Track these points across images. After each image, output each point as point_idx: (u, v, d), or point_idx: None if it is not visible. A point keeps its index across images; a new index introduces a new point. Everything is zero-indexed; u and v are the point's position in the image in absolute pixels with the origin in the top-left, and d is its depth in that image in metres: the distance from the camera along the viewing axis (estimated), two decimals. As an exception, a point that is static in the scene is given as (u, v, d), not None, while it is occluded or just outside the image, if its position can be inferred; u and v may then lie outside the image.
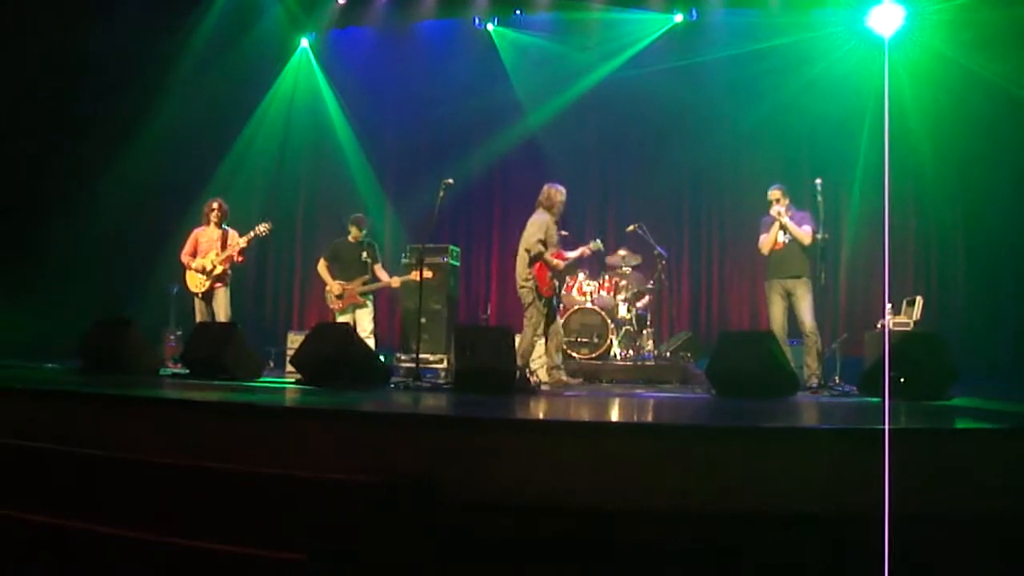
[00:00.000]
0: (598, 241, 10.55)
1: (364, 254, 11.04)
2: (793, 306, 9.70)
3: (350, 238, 11.18)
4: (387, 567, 4.25)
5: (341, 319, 10.89)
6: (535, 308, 9.58)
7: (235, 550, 4.10)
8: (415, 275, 10.87)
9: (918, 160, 12.91)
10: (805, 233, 9.68)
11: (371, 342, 10.77)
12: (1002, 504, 4.46)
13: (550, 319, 9.70)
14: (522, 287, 9.64)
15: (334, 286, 10.96)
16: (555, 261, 9.63)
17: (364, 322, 10.95)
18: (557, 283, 9.71)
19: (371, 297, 11.09)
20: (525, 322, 9.82)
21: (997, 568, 4.27)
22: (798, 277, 9.66)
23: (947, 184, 12.81)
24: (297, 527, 4.29)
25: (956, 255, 12.93)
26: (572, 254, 10.08)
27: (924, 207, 13.14)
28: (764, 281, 10.11)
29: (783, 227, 9.76)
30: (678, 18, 14.13)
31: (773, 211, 9.84)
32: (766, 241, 9.92)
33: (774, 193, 9.90)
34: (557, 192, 9.82)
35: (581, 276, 12.29)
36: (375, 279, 10.99)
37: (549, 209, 9.78)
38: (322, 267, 11.19)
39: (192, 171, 14.15)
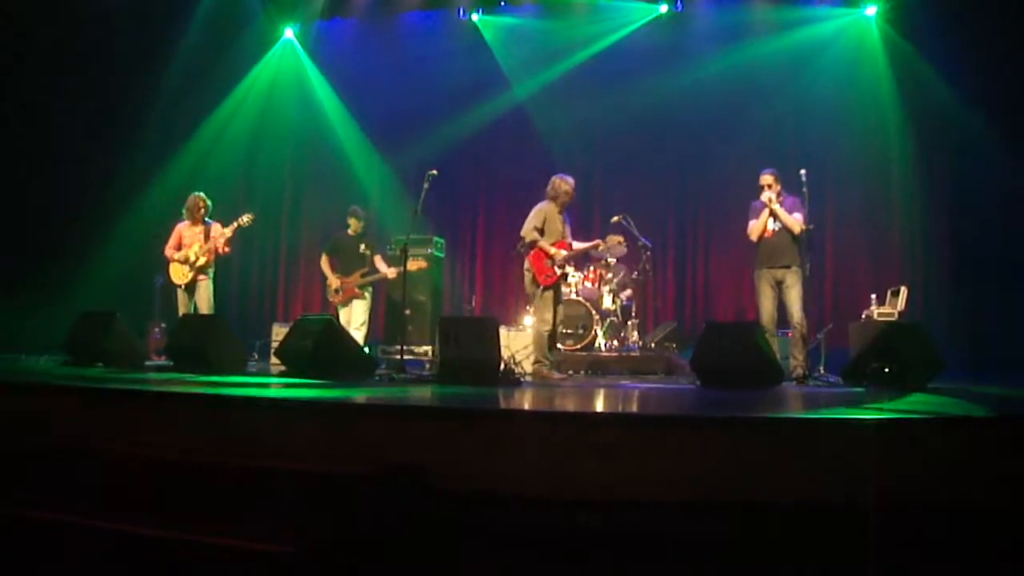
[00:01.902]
0: (615, 223, 10.40)
1: (363, 246, 11.07)
2: (782, 296, 9.50)
3: (350, 231, 11.22)
4: (376, 557, 4.26)
5: (343, 311, 10.98)
6: (539, 299, 9.47)
7: (224, 542, 4.10)
8: (412, 265, 10.91)
9: (903, 149, 12.98)
10: (795, 221, 9.44)
11: (361, 333, 10.83)
12: (984, 493, 4.48)
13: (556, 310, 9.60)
14: (525, 277, 9.63)
15: (333, 281, 11.04)
16: (552, 249, 9.42)
17: (358, 312, 10.99)
18: (559, 271, 9.49)
19: (369, 289, 11.09)
20: (533, 314, 9.80)
21: (980, 556, 4.29)
22: (788, 267, 9.41)
23: (932, 173, 12.85)
24: (285, 519, 4.28)
25: (941, 245, 12.95)
26: (580, 245, 9.92)
27: (909, 197, 13.15)
28: (753, 270, 9.82)
29: (773, 214, 9.51)
30: (663, 8, 14.12)
31: (764, 197, 9.58)
32: (755, 227, 9.66)
33: (766, 178, 9.64)
34: (562, 182, 9.64)
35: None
36: (374, 271, 10.99)
37: (554, 199, 9.63)
38: (324, 263, 11.30)
39: (174, 163, 14.13)
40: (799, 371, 9.16)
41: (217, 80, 14.76)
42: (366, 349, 10.63)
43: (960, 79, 12.15)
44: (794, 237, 9.49)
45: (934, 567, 4.25)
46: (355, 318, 10.94)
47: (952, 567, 4.26)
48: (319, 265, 11.40)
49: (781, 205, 9.57)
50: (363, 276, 10.93)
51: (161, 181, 13.77)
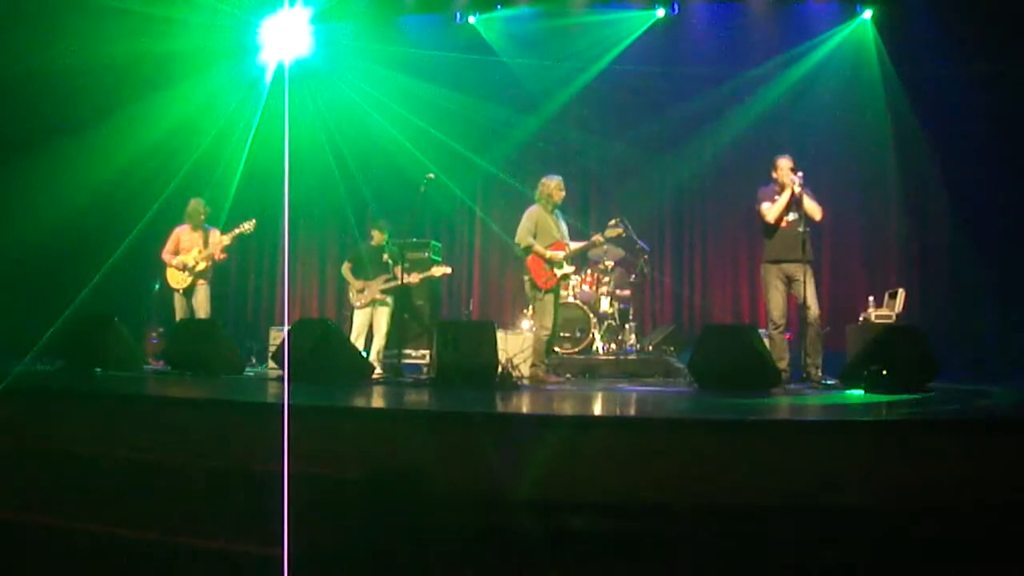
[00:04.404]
0: (612, 226, 10.29)
1: (386, 256, 11.07)
2: (796, 292, 9.02)
3: (372, 243, 11.23)
4: (369, 561, 4.25)
5: (360, 314, 10.97)
6: (539, 303, 9.47)
7: (220, 546, 4.10)
8: (435, 271, 11.00)
9: (900, 150, 12.98)
10: (818, 208, 8.95)
11: (382, 341, 10.87)
12: (982, 493, 4.48)
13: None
14: (525, 282, 9.62)
15: (356, 284, 11.03)
16: (549, 253, 9.39)
17: (381, 320, 10.98)
18: (557, 273, 9.43)
19: (392, 295, 11.08)
20: (533, 318, 9.77)
21: (979, 556, 4.29)
22: (801, 262, 8.86)
23: (930, 175, 12.85)
24: (282, 522, 4.28)
25: (938, 247, 12.95)
26: (575, 244, 9.85)
27: (906, 199, 13.16)
28: (761, 264, 9.37)
29: (793, 200, 8.90)
30: (660, 13, 14.06)
31: (788, 178, 8.94)
32: (774, 209, 9.03)
33: (787, 162, 9.06)
34: (548, 181, 9.62)
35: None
36: (396, 278, 10.99)
37: (543, 201, 9.61)
38: (346, 270, 11.29)
39: (170, 168, 14.07)
40: (813, 371, 8.83)
41: (212, 92, 14.69)
42: (375, 355, 10.68)
43: (956, 81, 12.15)
44: (811, 228, 8.98)
45: (934, 567, 4.25)
46: (378, 324, 10.97)
47: (952, 567, 4.26)
48: (326, 271, 11.42)
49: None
50: (386, 281, 10.93)
51: (153, 180, 13.70)
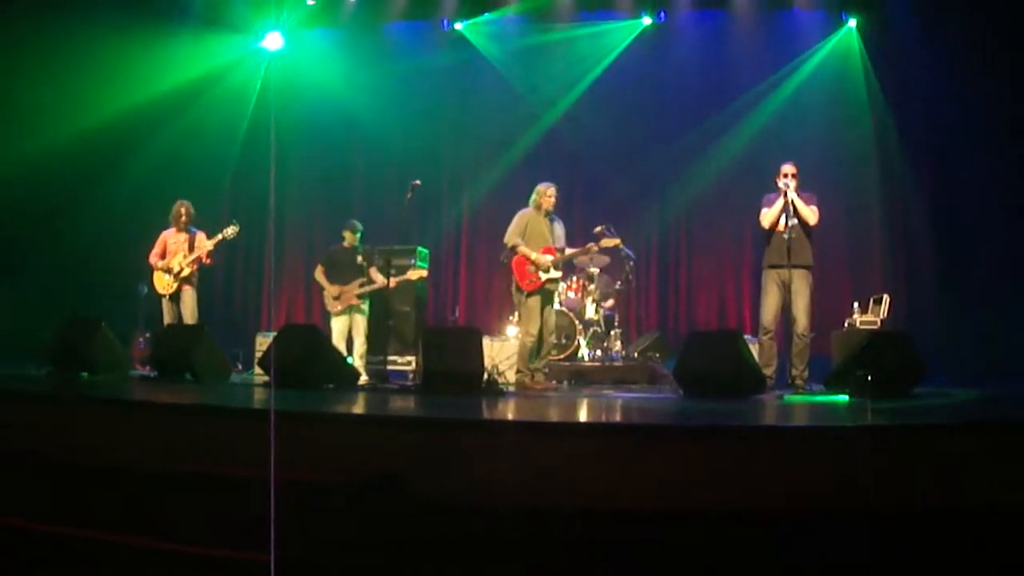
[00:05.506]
0: (598, 233, 10.31)
1: (360, 258, 11.05)
2: (788, 300, 9.02)
3: (345, 244, 11.20)
4: (355, 567, 4.26)
5: (337, 321, 10.96)
6: (523, 307, 9.49)
7: (203, 552, 4.10)
8: (411, 274, 11.00)
9: (887, 156, 13.04)
10: (812, 212, 9.05)
11: (363, 346, 10.85)
12: (966, 497, 4.51)
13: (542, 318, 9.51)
14: (512, 286, 9.63)
15: (331, 289, 11.00)
16: (534, 255, 9.40)
17: (360, 326, 10.97)
18: (542, 277, 9.41)
19: (368, 300, 11.07)
20: (518, 323, 9.79)
21: (971, 558, 4.31)
22: (797, 267, 8.93)
23: (914, 180, 12.91)
24: (264, 528, 4.29)
25: (924, 253, 12.99)
26: (570, 250, 9.90)
27: (890, 205, 13.22)
28: (762, 269, 9.35)
29: (789, 205, 8.94)
30: (646, 21, 14.09)
31: (782, 183, 9.03)
32: (769, 215, 9.14)
33: (789, 168, 9.14)
34: (540, 187, 9.68)
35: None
36: (371, 281, 10.96)
37: (537, 207, 9.65)
38: (319, 274, 11.25)
39: (158, 172, 14.03)
40: (799, 381, 8.93)
41: (199, 93, 14.64)
42: (358, 360, 10.67)
43: (943, 86, 12.21)
44: (808, 234, 9.10)
45: (924, 570, 4.28)
46: (357, 330, 10.95)
47: (940, 570, 4.29)
48: (313, 277, 11.35)
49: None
50: (361, 286, 10.91)
51: (133, 182, 13.68)
